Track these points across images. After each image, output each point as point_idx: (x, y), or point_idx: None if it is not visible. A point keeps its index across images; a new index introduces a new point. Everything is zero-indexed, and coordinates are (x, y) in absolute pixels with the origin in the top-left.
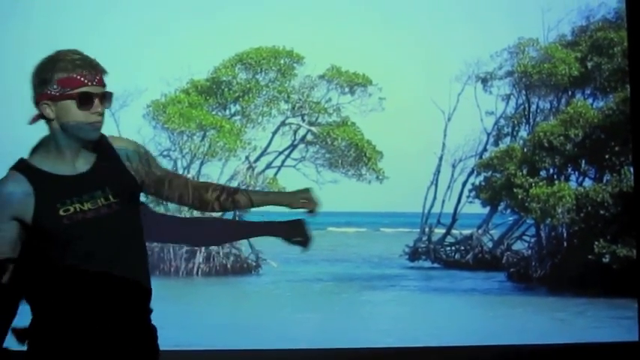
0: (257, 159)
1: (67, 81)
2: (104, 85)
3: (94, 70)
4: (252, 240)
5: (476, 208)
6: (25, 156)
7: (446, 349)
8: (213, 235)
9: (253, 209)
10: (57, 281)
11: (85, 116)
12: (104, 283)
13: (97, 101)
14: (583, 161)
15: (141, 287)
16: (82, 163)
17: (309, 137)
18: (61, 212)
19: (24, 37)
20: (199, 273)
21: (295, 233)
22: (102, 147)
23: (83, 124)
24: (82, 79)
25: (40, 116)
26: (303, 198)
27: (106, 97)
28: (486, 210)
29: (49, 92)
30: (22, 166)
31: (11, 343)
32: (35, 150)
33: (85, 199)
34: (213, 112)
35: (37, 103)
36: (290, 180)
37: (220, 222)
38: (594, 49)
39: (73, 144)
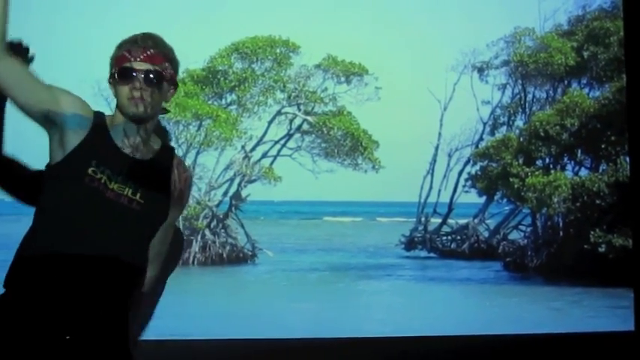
0: (253, 148)
1: (117, 59)
2: (154, 62)
3: (143, 47)
4: (249, 229)
5: (472, 198)
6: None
7: (442, 338)
8: None
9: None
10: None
11: (124, 93)
12: (76, 265)
13: (138, 76)
14: (579, 151)
15: (121, 282)
16: (140, 151)
17: (305, 127)
18: (90, 171)
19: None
20: (195, 262)
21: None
22: (165, 156)
23: (124, 100)
24: (127, 54)
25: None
26: None
27: (154, 76)
28: (482, 199)
29: (111, 73)
30: (97, 114)
31: None
32: (111, 115)
33: (115, 179)
34: (209, 102)
35: (108, 81)
36: (286, 169)
37: None
38: (590, 39)
39: (126, 122)
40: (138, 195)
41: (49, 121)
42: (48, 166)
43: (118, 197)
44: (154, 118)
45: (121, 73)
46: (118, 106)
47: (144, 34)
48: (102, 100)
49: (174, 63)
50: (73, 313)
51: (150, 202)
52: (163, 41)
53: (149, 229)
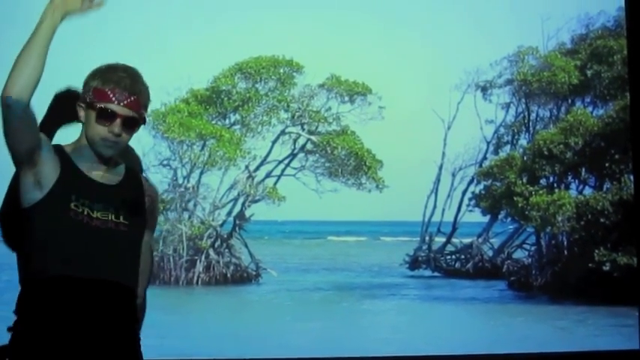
0: (257, 168)
1: (99, 92)
2: (136, 110)
3: (128, 91)
4: (253, 249)
5: (476, 217)
6: None
7: (446, 357)
8: None
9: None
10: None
11: (100, 131)
12: (82, 292)
13: (118, 121)
14: (583, 169)
15: (123, 303)
16: (108, 177)
17: (309, 146)
18: (72, 205)
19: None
20: (199, 282)
21: None
22: (132, 176)
23: (97, 137)
24: (111, 95)
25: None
26: None
27: (131, 122)
28: (486, 218)
29: (85, 97)
30: (57, 148)
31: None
32: (69, 144)
33: (97, 208)
34: (213, 122)
35: (78, 103)
36: (290, 189)
37: None
38: (594, 57)
39: (93, 156)
40: (121, 217)
41: (31, 160)
42: (26, 207)
43: (104, 224)
44: None
45: (101, 112)
46: (87, 138)
47: (130, 74)
48: None
49: (148, 104)
50: (91, 342)
51: (133, 222)
52: (144, 83)
53: (138, 247)
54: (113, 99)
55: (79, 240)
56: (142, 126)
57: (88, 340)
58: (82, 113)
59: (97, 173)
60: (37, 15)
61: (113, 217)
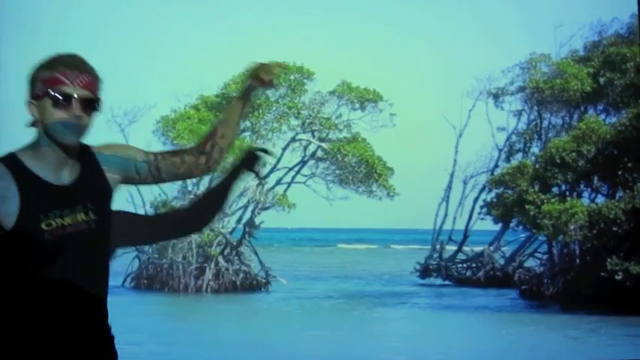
0: (267, 175)
1: (49, 80)
2: (91, 90)
3: (79, 71)
4: (262, 257)
5: (487, 225)
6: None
7: None
8: (195, 213)
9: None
10: (24, 292)
11: (60, 116)
12: (67, 296)
13: (75, 103)
14: (595, 177)
15: (99, 304)
16: (67, 174)
17: (320, 153)
18: (44, 226)
19: (35, 52)
20: (209, 290)
21: (251, 164)
22: (87, 158)
23: (58, 124)
24: (63, 78)
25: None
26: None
27: (90, 103)
28: (498, 227)
29: (34, 91)
30: (10, 161)
31: None
32: (26, 147)
33: (66, 214)
34: None
35: (27, 103)
36: (300, 196)
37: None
38: (607, 65)
39: (56, 149)
40: (90, 213)
41: None
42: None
43: (77, 227)
44: None
45: (56, 97)
46: (44, 129)
47: (76, 56)
48: (115, 125)
49: (100, 87)
50: (63, 348)
51: (102, 207)
52: (90, 64)
53: (109, 233)
54: (67, 81)
55: (57, 255)
56: (99, 112)
57: (60, 346)
58: (34, 110)
59: (53, 174)
60: (45, 19)
61: (83, 216)
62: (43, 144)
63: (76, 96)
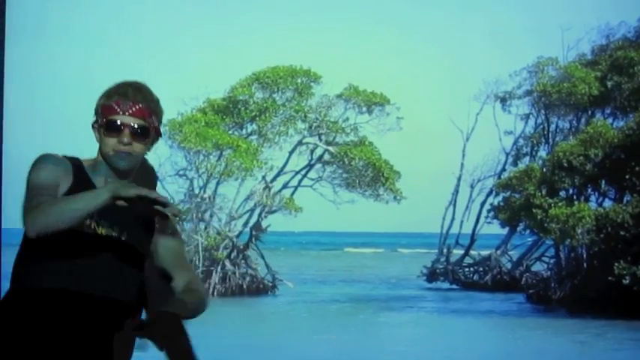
0: (274, 179)
1: (105, 108)
2: (142, 118)
3: (132, 101)
4: (269, 260)
5: (494, 229)
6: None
7: None
8: None
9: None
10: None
11: (111, 144)
12: (75, 305)
13: (126, 131)
14: (603, 181)
15: (110, 323)
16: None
17: (326, 157)
18: None
19: (40, 56)
20: (215, 293)
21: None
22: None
23: (108, 151)
24: (116, 107)
25: None
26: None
27: (140, 131)
28: (505, 231)
29: (96, 118)
30: (73, 160)
31: None
32: (88, 160)
33: (103, 225)
34: (230, 132)
35: (92, 126)
36: (307, 200)
37: None
38: (614, 68)
39: (108, 171)
40: (124, 236)
41: None
42: None
43: (108, 240)
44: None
45: (108, 125)
46: (101, 154)
47: (133, 86)
48: None
49: (159, 115)
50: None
51: (137, 242)
52: (151, 93)
53: (137, 266)
54: (118, 110)
55: (83, 252)
56: (160, 138)
57: (75, 353)
58: (95, 134)
59: None
60: (50, 22)
61: (116, 234)
62: (100, 165)
63: (125, 124)
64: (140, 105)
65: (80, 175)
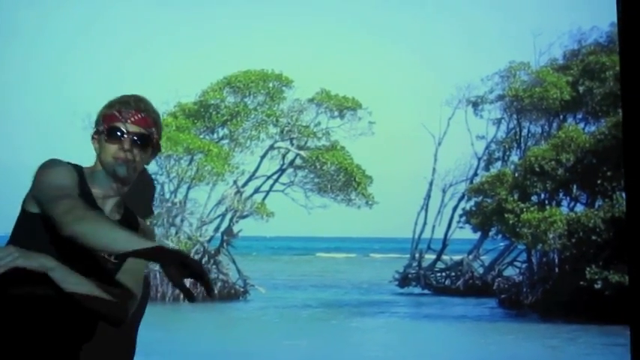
0: (245, 183)
1: (107, 117)
2: (143, 126)
3: (133, 108)
4: (240, 265)
5: (466, 234)
6: None
7: None
8: None
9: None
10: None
11: (111, 151)
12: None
13: (127, 138)
14: (575, 186)
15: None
16: (109, 208)
17: (298, 161)
18: None
19: (13, 59)
20: (185, 299)
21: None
22: (130, 217)
23: (110, 157)
24: (118, 114)
25: None
26: None
27: (141, 139)
28: (477, 235)
29: (97, 128)
30: (78, 169)
31: None
32: (85, 168)
33: None
34: (201, 136)
35: (92, 137)
36: (278, 205)
37: None
38: (586, 73)
39: (107, 179)
40: (112, 257)
41: None
42: (32, 212)
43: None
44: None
45: (110, 131)
46: (100, 163)
47: (136, 96)
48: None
49: (159, 128)
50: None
51: (122, 262)
52: (152, 106)
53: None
54: (120, 117)
55: (69, 256)
56: (159, 152)
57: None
58: (95, 145)
59: (105, 203)
60: (25, 23)
61: (106, 253)
62: (98, 173)
63: (126, 131)
64: (142, 114)
65: (82, 185)
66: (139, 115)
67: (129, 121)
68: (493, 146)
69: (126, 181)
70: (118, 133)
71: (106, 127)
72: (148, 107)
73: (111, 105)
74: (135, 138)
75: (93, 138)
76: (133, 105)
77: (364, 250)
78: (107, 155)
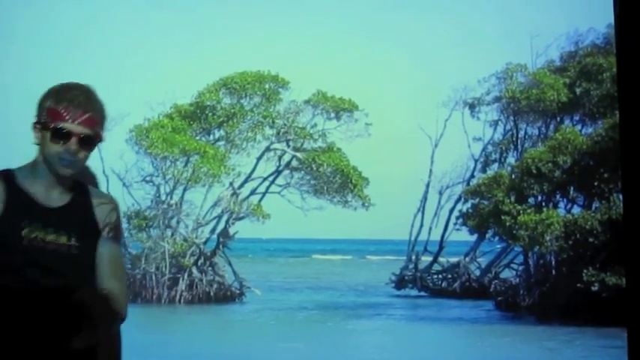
0: (241, 185)
1: (52, 112)
2: (91, 127)
3: (82, 109)
4: (236, 267)
5: (463, 236)
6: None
7: None
8: None
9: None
10: None
11: (56, 150)
12: (41, 313)
13: (73, 139)
14: (572, 188)
15: (75, 329)
16: (57, 198)
17: (294, 163)
18: (24, 232)
19: (9, 60)
20: (182, 301)
21: None
22: (80, 192)
23: (54, 158)
24: (65, 113)
25: None
26: None
27: (87, 140)
28: (474, 237)
29: (39, 118)
30: (4, 175)
31: None
32: (26, 166)
33: (49, 232)
34: (197, 138)
35: (33, 125)
36: (275, 206)
37: None
38: (583, 75)
39: (49, 175)
40: (73, 239)
41: None
42: None
43: (58, 247)
44: None
45: (55, 131)
46: (43, 157)
47: (84, 92)
48: None
49: (104, 122)
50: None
51: (85, 243)
52: (99, 100)
53: (91, 269)
54: (67, 117)
55: (34, 267)
56: (102, 143)
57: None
58: (37, 134)
59: (51, 194)
60: (19, 26)
61: (65, 239)
62: (40, 168)
63: (73, 132)
64: (89, 114)
65: (13, 189)
66: (87, 115)
67: (76, 122)
68: (490, 148)
69: (67, 180)
70: (64, 134)
71: (51, 126)
72: (95, 105)
73: (57, 99)
74: (81, 139)
75: (35, 127)
76: (81, 104)
77: (360, 252)
78: (52, 154)
